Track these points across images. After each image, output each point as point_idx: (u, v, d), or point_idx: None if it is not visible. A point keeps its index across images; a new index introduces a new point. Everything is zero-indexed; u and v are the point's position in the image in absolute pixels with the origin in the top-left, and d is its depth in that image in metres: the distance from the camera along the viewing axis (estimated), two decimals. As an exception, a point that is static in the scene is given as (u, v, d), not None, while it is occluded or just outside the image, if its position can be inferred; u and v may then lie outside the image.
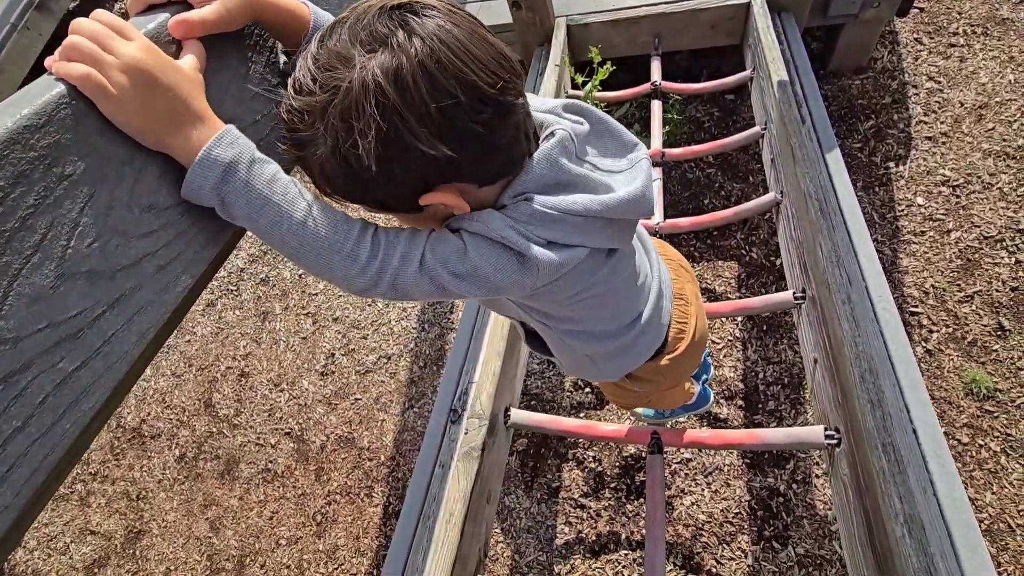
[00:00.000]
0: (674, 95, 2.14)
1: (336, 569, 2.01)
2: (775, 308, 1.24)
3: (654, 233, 1.56)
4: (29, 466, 0.34)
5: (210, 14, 0.48)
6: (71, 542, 2.33)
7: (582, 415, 2.02)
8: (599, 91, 2.04)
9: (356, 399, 2.25)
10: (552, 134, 0.54)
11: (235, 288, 2.66)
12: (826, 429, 0.99)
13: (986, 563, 0.72)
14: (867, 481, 0.84)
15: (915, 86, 2.22)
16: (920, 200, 2.03)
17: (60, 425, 0.37)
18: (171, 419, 2.44)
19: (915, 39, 2.33)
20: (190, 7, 0.49)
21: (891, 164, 2.12)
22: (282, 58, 0.58)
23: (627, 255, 0.69)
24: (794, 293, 1.22)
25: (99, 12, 0.42)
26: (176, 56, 0.47)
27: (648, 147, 1.81)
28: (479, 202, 0.53)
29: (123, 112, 0.41)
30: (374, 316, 2.40)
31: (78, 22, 0.41)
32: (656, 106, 1.92)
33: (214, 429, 2.36)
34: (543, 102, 0.60)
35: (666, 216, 1.66)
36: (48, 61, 0.40)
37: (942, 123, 2.12)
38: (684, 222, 1.56)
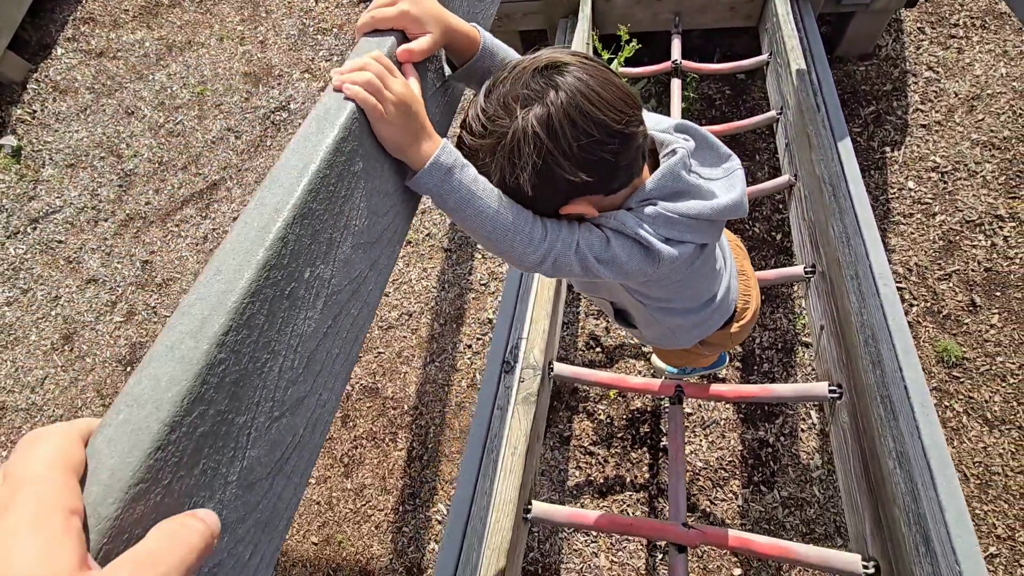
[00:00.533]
0: (692, 74, 2.24)
1: (364, 505, 2.19)
2: (787, 280, 1.40)
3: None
4: (337, 376, 0.47)
5: (425, 45, 0.61)
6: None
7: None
8: (623, 66, 2.13)
9: (379, 352, 2.39)
10: (673, 152, 0.67)
11: (255, 244, 2.73)
12: (830, 385, 1.17)
13: (955, 487, 0.91)
14: (866, 426, 1.03)
15: (915, 75, 2.36)
16: (911, 184, 2.20)
17: (354, 349, 0.50)
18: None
19: (918, 28, 2.45)
20: (404, 35, 0.60)
21: (887, 149, 2.27)
22: (446, 68, 0.69)
23: (712, 246, 0.83)
24: (804, 268, 1.38)
25: (378, 55, 0.55)
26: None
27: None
28: (605, 207, 0.67)
29: (387, 130, 0.54)
30: (395, 275, 2.52)
31: (366, 60, 0.54)
32: (676, 84, 2.02)
33: (240, 378, 2.49)
34: (657, 122, 0.74)
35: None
36: (337, 81, 0.53)
37: (937, 112, 2.28)
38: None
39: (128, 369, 2.62)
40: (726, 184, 0.71)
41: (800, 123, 1.54)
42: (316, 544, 2.17)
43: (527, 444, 1.09)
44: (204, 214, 2.88)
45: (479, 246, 2.52)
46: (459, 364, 2.31)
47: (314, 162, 0.42)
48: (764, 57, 1.97)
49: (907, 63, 2.39)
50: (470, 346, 2.33)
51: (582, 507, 2.02)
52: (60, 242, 2.98)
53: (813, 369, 2.01)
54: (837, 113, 1.55)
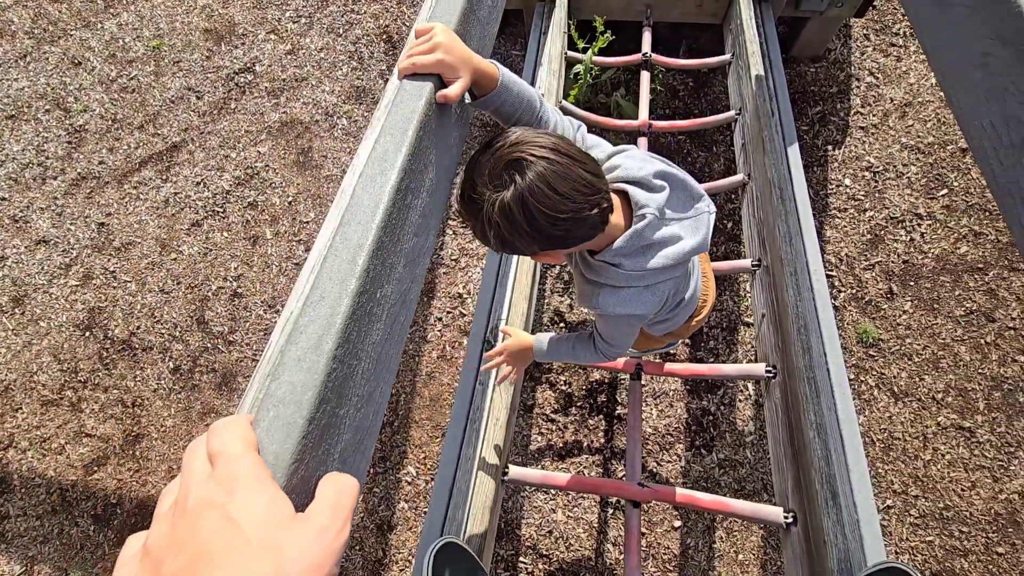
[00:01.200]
0: (660, 66, 2.35)
1: (335, 469, 2.30)
2: (736, 271, 1.58)
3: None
4: (392, 371, 0.58)
5: (459, 90, 0.71)
6: (66, 444, 2.45)
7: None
8: (596, 56, 2.21)
9: (351, 323, 2.46)
10: (643, 216, 0.80)
11: (221, 210, 2.70)
12: (767, 366, 1.36)
13: (860, 454, 1.12)
14: (793, 402, 1.22)
15: (858, 79, 2.57)
16: (848, 181, 2.43)
17: (400, 348, 0.62)
18: (162, 333, 2.54)
19: (864, 35, 2.64)
20: (440, 79, 0.69)
21: (829, 148, 2.48)
22: (467, 97, 0.78)
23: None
24: (752, 261, 1.55)
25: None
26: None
27: (633, 117, 2.05)
28: (571, 250, 0.84)
29: None
30: (366, 248, 2.57)
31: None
32: (645, 77, 2.14)
33: (208, 345, 2.50)
34: (640, 167, 0.84)
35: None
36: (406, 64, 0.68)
37: (874, 115, 2.50)
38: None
39: (87, 334, 2.58)
40: (693, 225, 0.84)
41: (756, 127, 1.69)
42: (289, 505, 2.27)
43: (507, 415, 1.23)
44: (164, 177, 2.80)
45: (449, 221, 2.59)
46: (430, 336, 2.42)
47: (383, 202, 0.52)
48: (727, 57, 2.10)
49: (852, 67, 2.59)
50: (440, 319, 2.43)
51: (543, 469, 2.20)
52: (3, 199, 2.83)
53: (753, 347, 2.24)
54: (789, 119, 1.71)
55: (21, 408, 2.48)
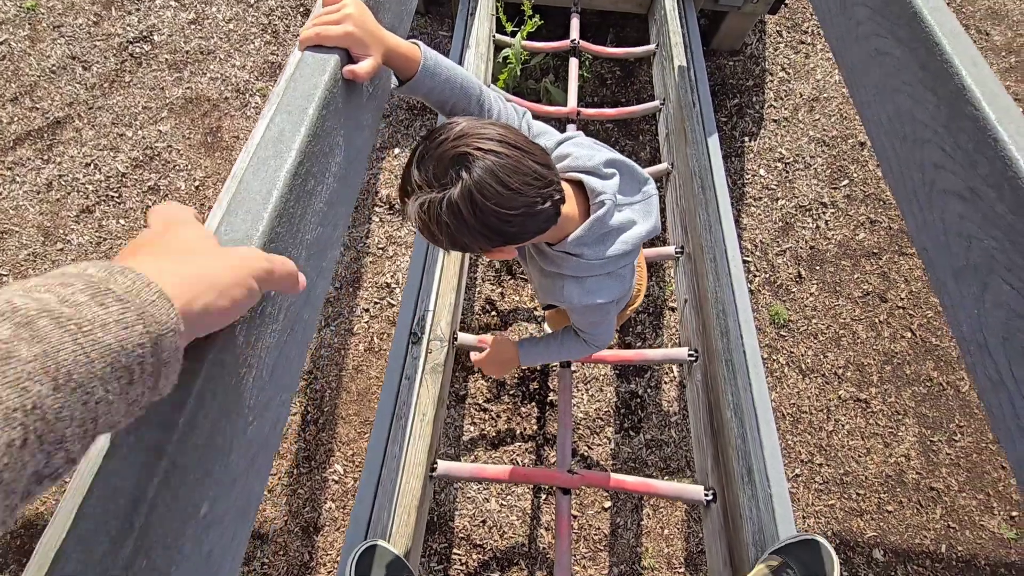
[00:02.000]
0: (587, 54, 2.36)
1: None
2: (661, 258, 1.61)
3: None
4: (298, 348, 0.53)
5: (368, 67, 0.65)
6: None
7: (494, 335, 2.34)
8: (525, 40, 2.18)
9: (269, 316, 2.31)
10: (602, 203, 0.78)
11: (116, 195, 2.44)
12: (689, 350, 1.40)
13: (772, 430, 1.18)
14: (712, 383, 1.26)
15: (771, 73, 2.70)
16: (762, 172, 2.56)
17: (305, 348, 0.57)
18: (49, 333, 2.28)
19: (777, 31, 2.78)
20: (347, 53, 0.63)
21: (746, 139, 2.60)
22: (395, 80, 0.72)
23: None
24: (675, 248, 1.59)
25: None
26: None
27: (562, 103, 2.05)
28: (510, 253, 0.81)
29: None
30: (285, 236, 2.42)
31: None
32: (573, 63, 2.13)
33: (105, 343, 2.27)
34: (590, 156, 0.82)
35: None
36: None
37: (785, 109, 2.64)
38: (594, 179, 1.85)
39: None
40: (644, 209, 0.85)
41: (679, 118, 1.73)
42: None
43: (435, 411, 1.19)
44: (46, 157, 2.49)
45: (376, 208, 2.49)
46: (356, 328, 2.32)
47: (277, 188, 0.46)
48: (652, 47, 2.14)
49: (766, 62, 2.72)
50: (367, 310, 2.34)
51: (476, 459, 2.19)
52: None
53: (677, 332, 2.33)
54: (709, 110, 1.76)
55: None
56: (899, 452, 2.22)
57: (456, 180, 0.64)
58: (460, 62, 1.93)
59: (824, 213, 2.49)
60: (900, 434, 2.25)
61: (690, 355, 1.39)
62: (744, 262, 2.43)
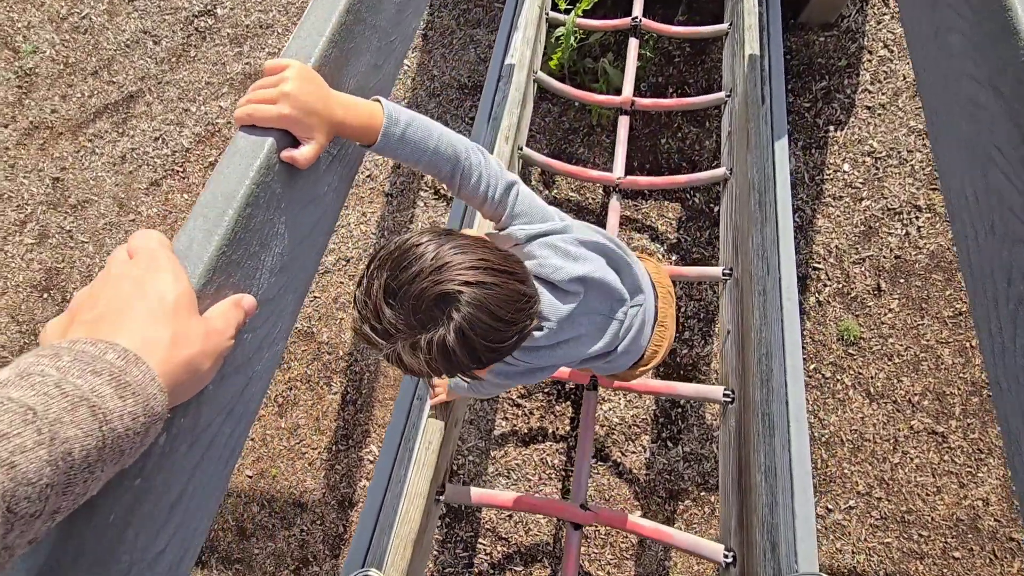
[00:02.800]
0: (651, 33, 2.14)
1: (298, 443, 2.28)
2: (706, 279, 1.47)
3: (615, 187, 1.70)
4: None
5: (309, 154, 0.59)
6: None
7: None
8: (580, 18, 2.01)
9: (315, 297, 2.36)
10: (540, 328, 0.75)
11: (180, 169, 2.55)
12: (725, 389, 1.27)
13: (810, 497, 1.05)
14: (745, 435, 1.14)
15: (870, 52, 2.34)
16: (846, 167, 2.26)
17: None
18: (121, 299, 2.46)
19: (883, 0, 2.40)
20: (287, 133, 0.57)
21: (831, 128, 2.30)
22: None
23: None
24: (723, 269, 1.44)
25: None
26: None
27: (619, 85, 1.87)
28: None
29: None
30: (333, 217, 2.44)
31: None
32: (633, 44, 1.94)
33: (169, 313, 2.42)
34: (560, 266, 0.74)
35: (628, 169, 1.79)
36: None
37: (883, 94, 2.30)
38: (643, 181, 1.70)
39: (44, 296, 2.49)
40: (602, 326, 0.81)
41: (743, 116, 1.53)
42: (251, 477, 2.27)
43: (442, 437, 1.15)
44: (121, 130, 2.63)
45: (421, 193, 2.45)
46: (396, 314, 2.33)
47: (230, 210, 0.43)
48: (724, 27, 1.90)
49: (866, 38, 2.36)
50: (407, 297, 2.34)
51: (505, 455, 2.18)
52: (-48, 148, 2.67)
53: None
54: (781, 109, 1.55)
55: (-21, 370, 2.44)
56: (977, 495, 1.98)
57: (444, 321, 0.58)
58: (506, 47, 1.80)
59: (917, 218, 2.19)
60: (980, 475, 2.00)
61: (726, 396, 1.26)
62: (814, 269, 2.19)
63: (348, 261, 2.39)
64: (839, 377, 2.12)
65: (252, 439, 2.28)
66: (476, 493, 1.23)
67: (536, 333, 0.73)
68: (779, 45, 1.70)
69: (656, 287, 1.05)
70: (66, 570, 0.35)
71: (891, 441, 2.07)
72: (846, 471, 2.06)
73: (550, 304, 0.74)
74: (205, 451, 0.46)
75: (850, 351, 2.14)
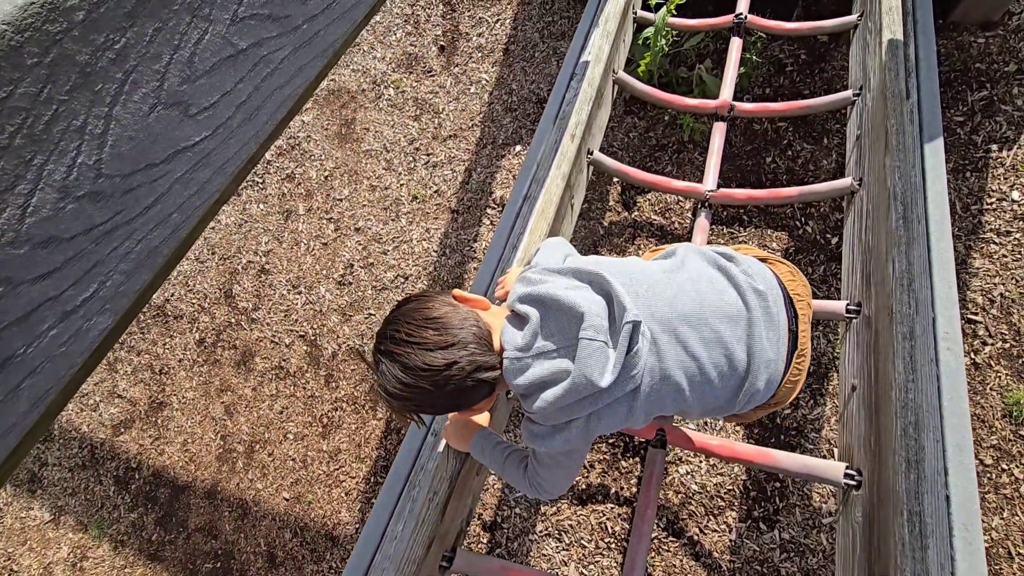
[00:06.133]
0: (759, 32, 1.85)
1: (337, 470, 2.12)
2: (823, 316, 1.12)
3: (704, 201, 1.40)
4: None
5: None
6: (100, 401, 2.50)
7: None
8: (673, 16, 1.77)
9: (370, 314, 2.24)
10: (506, 358, 0.77)
11: (260, 180, 2.59)
12: (848, 468, 0.91)
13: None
14: (882, 546, 0.78)
15: (1051, 54, 1.87)
16: (1015, 195, 1.78)
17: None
18: (193, 303, 2.49)
19: (1069, -7, 1.92)
20: None
21: (993, 147, 1.84)
22: None
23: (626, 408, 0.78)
24: (847, 304, 1.09)
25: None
26: None
27: (716, 96, 1.59)
28: (476, 410, 0.81)
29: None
30: (396, 232, 2.33)
31: None
32: (735, 44, 1.66)
33: (233, 320, 2.41)
34: (514, 289, 0.81)
35: (721, 179, 1.49)
36: None
37: (1070, 106, 1.81)
38: (739, 195, 1.39)
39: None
40: (572, 354, 0.72)
41: (881, 112, 1.19)
42: (287, 500, 2.14)
43: (449, 489, 0.90)
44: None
45: (488, 211, 2.27)
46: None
47: None
48: (853, 18, 1.57)
49: (1043, 38, 1.90)
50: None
51: (558, 512, 1.86)
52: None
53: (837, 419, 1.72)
54: (933, 103, 1.19)
55: (64, 362, 2.56)
56: None
57: (380, 364, 0.76)
58: (584, 44, 1.60)
59: (1124, 263, 1.65)
60: None
61: (849, 476, 0.90)
62: (970, 322, 1.71)
63: (407, 279, 2.26)
64: (1005, 466, 1.60)
65: (293, 459, 2.16)
66: (490, 566, 0.96)
67: (505, 365, 0.75)
68: (930, 30, 1.35)
69: (795, 301, 0.81)
70: None
71: (1087, 564, 1.51)
72: (1016, 598, 1.52)
73: (510, 336, 0.76)
74: None
75: (1022, 433, 1.62)
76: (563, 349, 0.72)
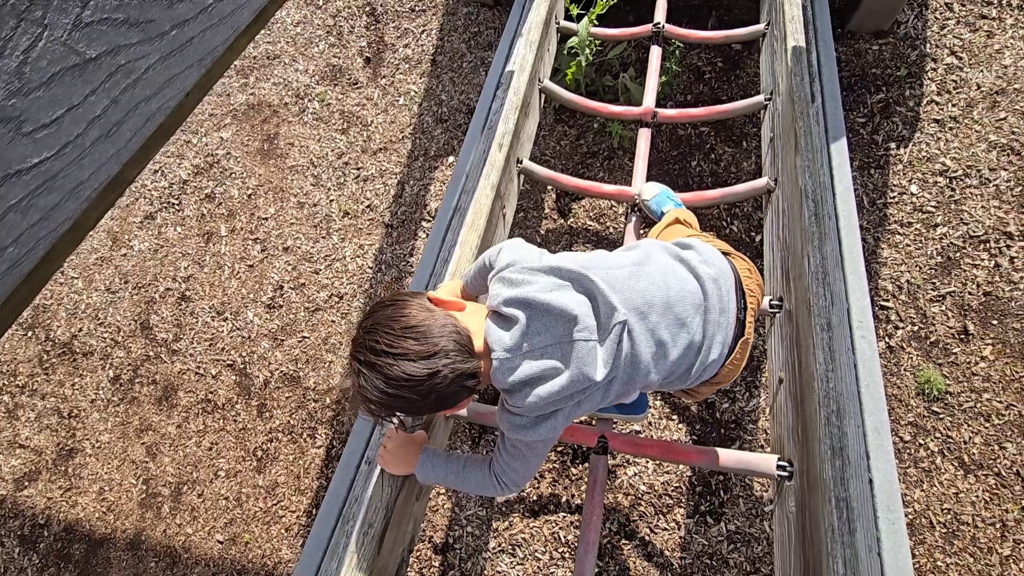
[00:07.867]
0: (677, 41, 1.92)
1: (275, 504, 2.00)
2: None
3: (634, 205, 1.42)
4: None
5: None
6: (-1, 454, 2.25)
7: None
8: (595, 26, 1.80)
9: (304, 337, 2.14)
10: (495, 359, 0.77)
11: (176, 202, 2.43)
12: (780, 460, 0.94)
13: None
14: (813, 532, 0.80)
15: (935, 59, 2.05)
16: (914, 188, 1.93)
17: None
18: (104, 337, 2.30)
19: (945, 4, 2.12)
20: None
21: (892, 145, 1.99)
22: None
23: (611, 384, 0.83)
24: (770, 300, 1.12)
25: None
26: None
27: (641, 103, 1.63)
28: (458, 408, 0.84)
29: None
30: (328, 250, 2.24)
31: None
32: (655, 53, 1.71)
33: (151, 353, 2.24)
34: (498, 292, 0.80)
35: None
36: None
37: (954, 106, 1.98)
38: (667, 198, 1.42)
39: (29, 334, 2.36)
40: (563, 353, 0.76)
41: (790, 115, 1.25)
42: (221, 543, 1.99)
43: (385, 519, 0.86)
44: (124, 163, 2.55)
45: (423, 223, 2.23)
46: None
47: None
48: (760, 27, 1.65)
49: (927, 45, 2.07)
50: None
51: (510, 525, 1.83)
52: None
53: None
54: (835, 106, 1.26)
55: (-48, 413, 2.29)
56: (1123, 604, 1.51)
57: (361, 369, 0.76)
58: (508, 54, 1.60)
59: (1009, 247, 1.81)
60: (1125, 577, 1.53)
61: (781, 467, 0.93)
62: (882, 308, 1.83)
63: (341, 298, 2.17)
64: (922, 441, 1.72)
65: (226, 497, 2.01)
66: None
67: (494, 367, 0.76)
68: (829, 38, 1.44)
69: (747, 295, 0.89)
70: None
71: (997, 526, 1.63)
72: (939, 563, 1.62)
73: (496, 336, 0.77)
74: None
75: (934, 408, 1.74)
76: (551, 347, 0.75)
